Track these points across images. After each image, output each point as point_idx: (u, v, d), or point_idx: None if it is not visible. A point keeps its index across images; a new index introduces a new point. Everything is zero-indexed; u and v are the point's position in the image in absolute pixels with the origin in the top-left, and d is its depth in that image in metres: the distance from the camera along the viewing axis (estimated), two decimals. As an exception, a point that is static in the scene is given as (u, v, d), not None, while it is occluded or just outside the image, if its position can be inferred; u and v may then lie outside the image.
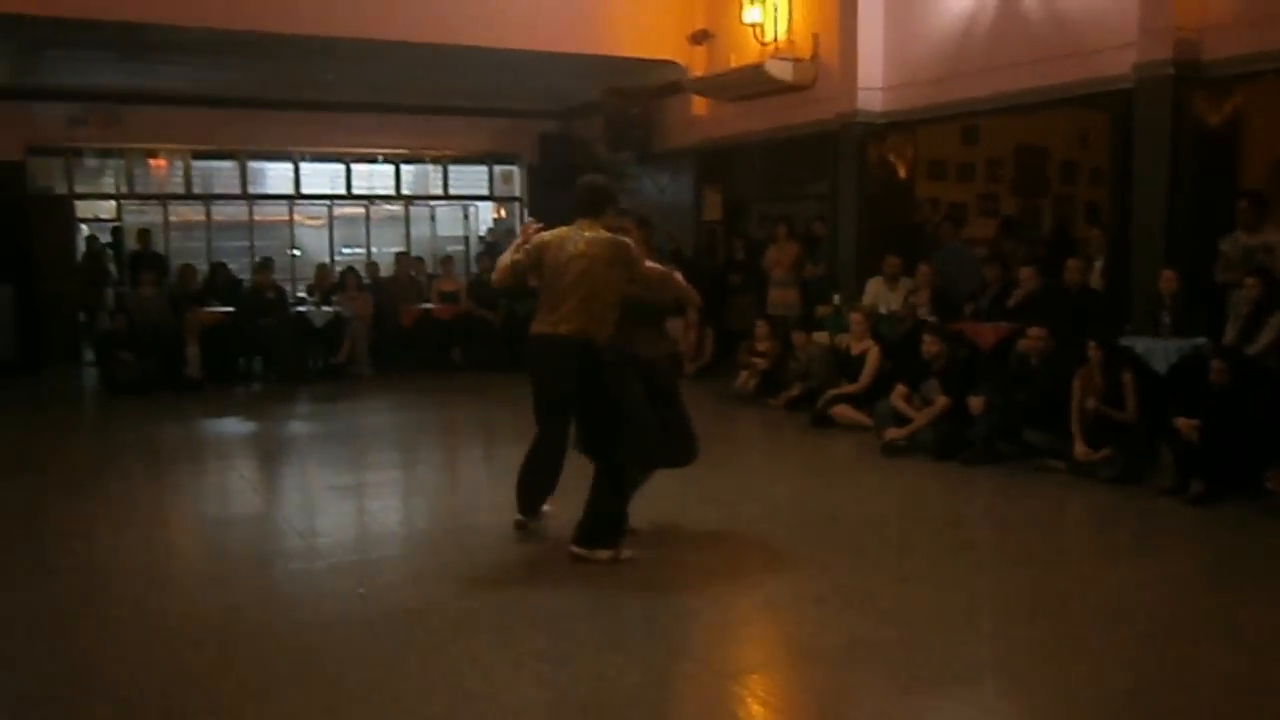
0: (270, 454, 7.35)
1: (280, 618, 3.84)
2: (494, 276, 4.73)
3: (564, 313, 4.34)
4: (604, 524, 4.33)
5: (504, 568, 4.37)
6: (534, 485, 4.67)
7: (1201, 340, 6.10)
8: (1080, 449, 5.87)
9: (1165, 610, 3.91)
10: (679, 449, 4.61)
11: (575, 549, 4.32)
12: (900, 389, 6.72)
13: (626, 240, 4.40)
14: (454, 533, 5.02)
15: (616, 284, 4.34)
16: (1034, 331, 6.36)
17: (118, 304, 11.52)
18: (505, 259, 4.62)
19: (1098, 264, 7.16)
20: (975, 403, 6.30)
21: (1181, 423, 5.38)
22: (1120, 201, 7.07)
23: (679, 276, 4.58)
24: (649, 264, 4.42)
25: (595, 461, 4.42)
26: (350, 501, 5.80)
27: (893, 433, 6.57)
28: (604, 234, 4.39)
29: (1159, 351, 6.18)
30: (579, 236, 4.40)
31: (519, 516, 4.72)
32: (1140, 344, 6.27)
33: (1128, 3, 6.75)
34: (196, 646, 3.57)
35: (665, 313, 4.63)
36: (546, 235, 4.51)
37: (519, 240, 4.61)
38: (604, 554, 4.30)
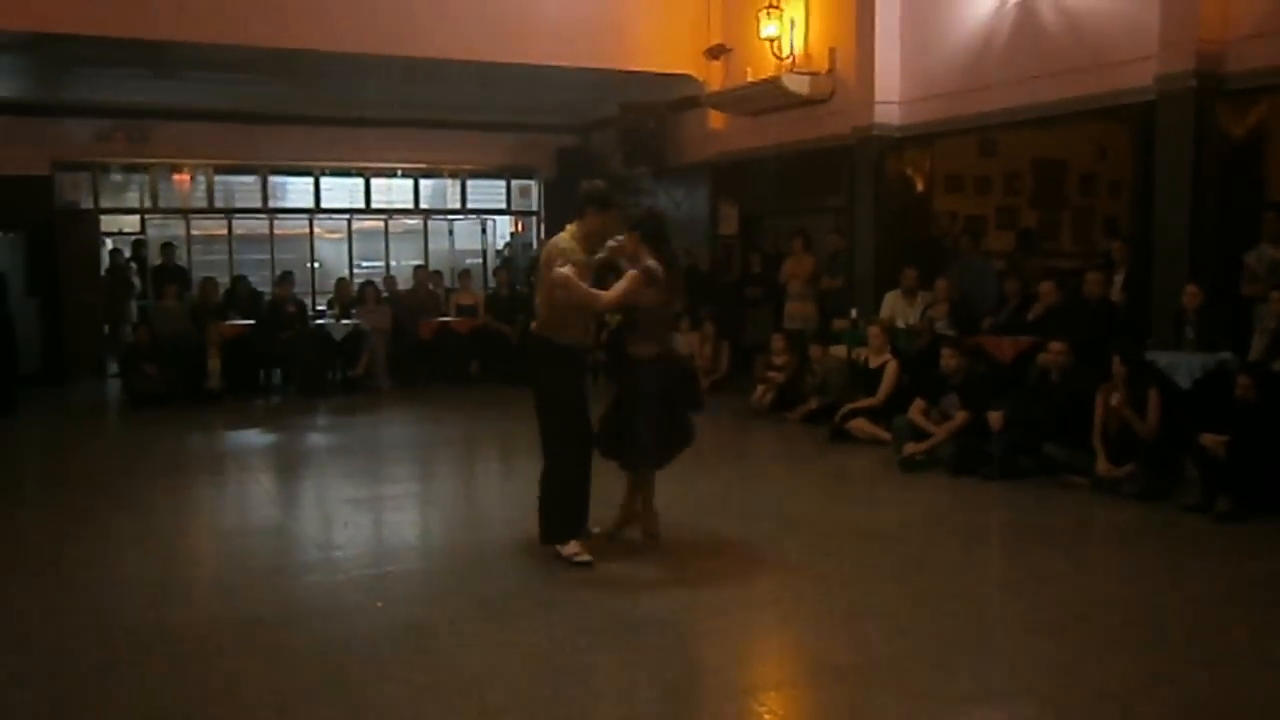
0: (289, 466, 7.38)
1: (299, 631, 3.85)
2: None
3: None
4: (551, 516, 4.56)
5: (521, 582, 4.36)
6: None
7: (1226, 355, 6.04)
8: (1103, 465, 5.80)
9: (1193, 630, 3.85)
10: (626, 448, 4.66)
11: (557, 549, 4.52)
12: (918, 403, 6.67)
13: (557, 244, 4.50)
14: (471, 546, 5.02)
15: (548, 287, 4.47)
16: (1054, 346, 6.30)
17: (141, 317, 11.65)
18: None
19: (1118, 277, 7.10)
20: (994, 417, 6.25)
21: (1208, 439, 5.31)
22: (1142, 214, 7.02)
23: (578, 284, 4.37)
24: (557, 269, 4.37)
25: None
26: (368, 514, 5.82)
27: (911, 447, 6.52)
28: (561, 237, 4.56)
29: (1183, 366, 6.12)
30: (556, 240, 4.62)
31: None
32: (1163, 359, 6.21)
33: (1149, 15, 6.72)
34: (215, 659, 3.59)
35: (658, 317, 4.62)
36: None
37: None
38: (569, 549, 4.47)
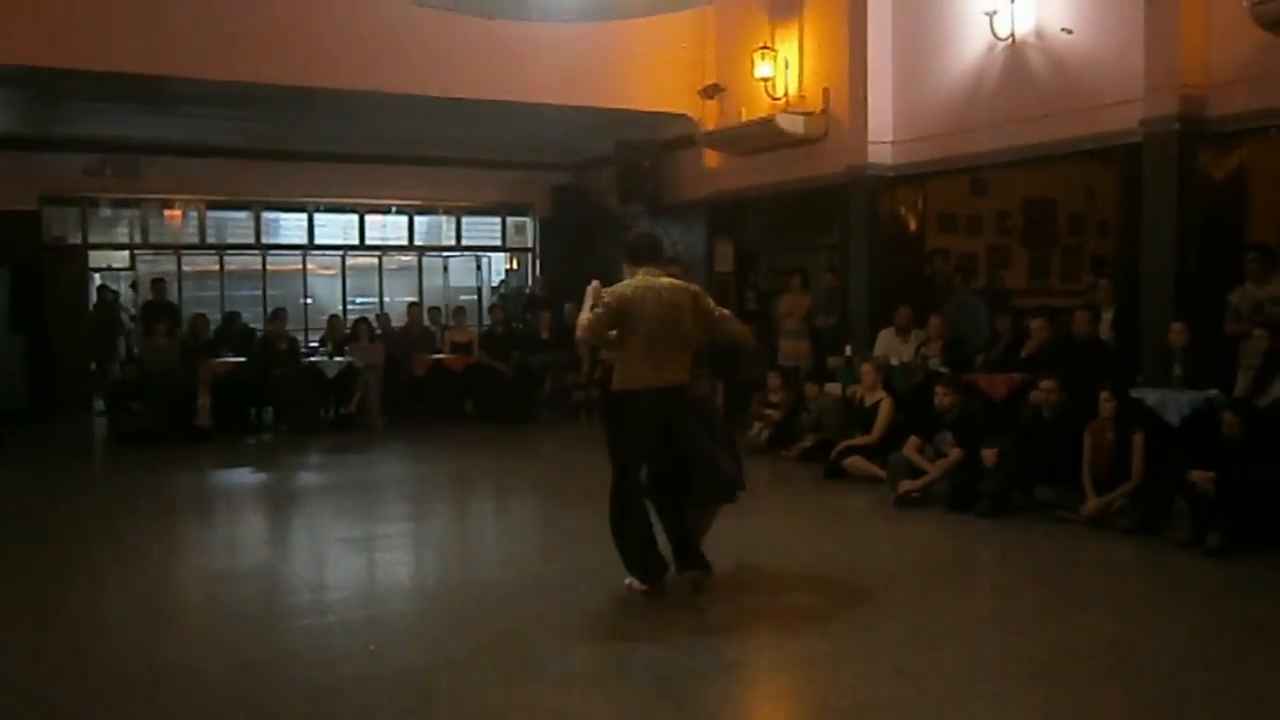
0: (280, 505, 7.31)
1: (289, 675, 3.80)
2: (579, 334, 4.60)
3: (670, 364, 4.44)
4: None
5: (516, 623, 4.32)
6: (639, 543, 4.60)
7: (1213, 392, 6.09)
8: (1092, 504, 5.83)
9: (1185, 667, 3.84)
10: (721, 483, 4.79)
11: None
12: (913, 441, 6.69)
13: (699, 287, 4.59)
14: (466, 587, 4.98)
15: (697, 330, 4.49)
16: (1045, 384, 6.35)
17: (129, 353, 11.57)
18: (584, 317, 4.47)
19: (1107, 315, 7.18)
20: (988, 455, 6.27)
21: (1196, 475, 5.36)
22: (1129, 254, 7.11)
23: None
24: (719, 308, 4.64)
25: (665, 500, 4.59)
26: (361, 555, 5.76)
27: (906, 485, 6.53)
28: (679, 282, 4.55)
29: (1170, 403, 6.17)
30: (658, 285, 4.45)
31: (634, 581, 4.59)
32: (1152, 396, 6.27)
33: (1134, 60, 6.87)
34: (202, 705, 3.52)
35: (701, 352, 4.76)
36: (623, 288, 4.49)
37: (589, 300, 4.49)
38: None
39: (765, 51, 9.77)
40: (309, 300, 13.37)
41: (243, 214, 12.88)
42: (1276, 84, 6.27)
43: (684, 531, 4.62)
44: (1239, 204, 6.73)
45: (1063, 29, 7.44)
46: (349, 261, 13.50)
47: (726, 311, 4.70)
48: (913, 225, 9.05)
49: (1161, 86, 6.67)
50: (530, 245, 14.20)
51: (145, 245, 12.62)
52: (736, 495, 4.87)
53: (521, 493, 7.98)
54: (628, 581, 4.57)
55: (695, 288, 4.57)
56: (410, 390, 10.84)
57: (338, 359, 10.45)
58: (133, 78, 8.74)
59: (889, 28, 8.90)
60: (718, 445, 4.75)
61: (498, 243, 14.19)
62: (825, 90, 9.52)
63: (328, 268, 13.63)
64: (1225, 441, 5.45)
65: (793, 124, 9.51)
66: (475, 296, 14.11)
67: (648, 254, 4.54)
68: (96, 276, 13.05)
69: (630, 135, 11.46)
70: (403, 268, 13.92)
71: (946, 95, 8.45)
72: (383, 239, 13.60)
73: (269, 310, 11.35)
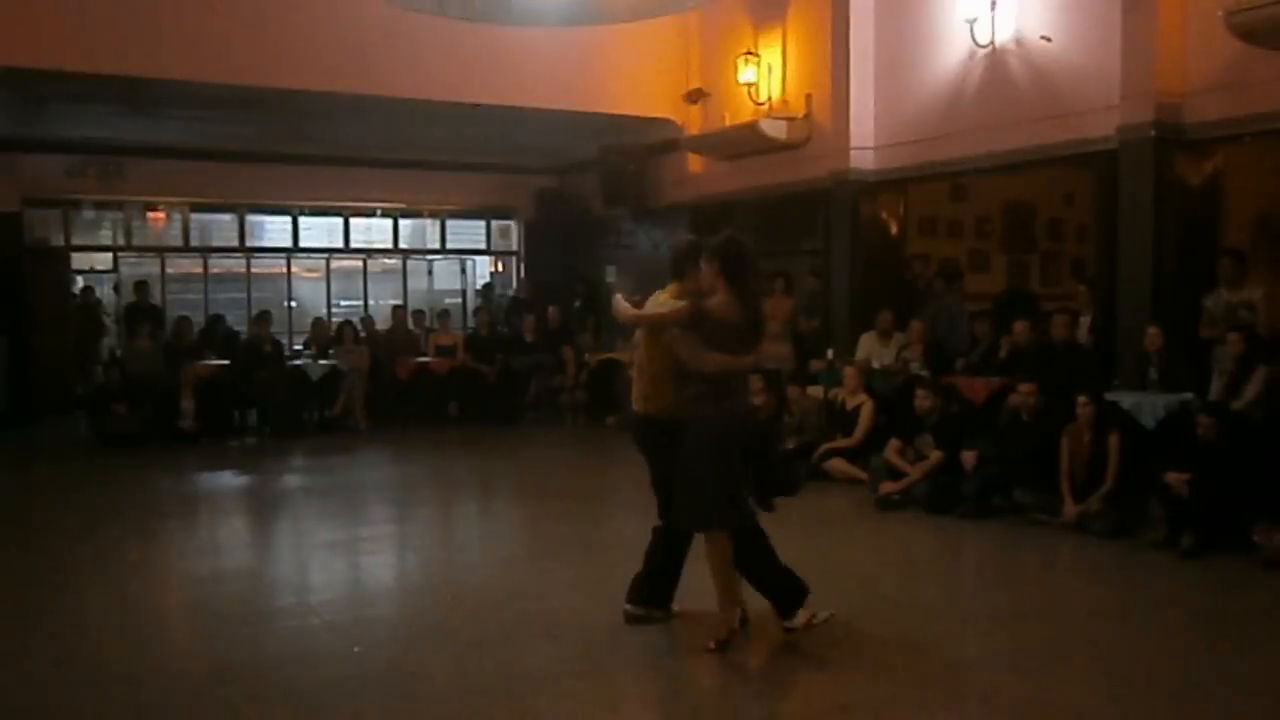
0: (264, 508, 7.31)
1: (273, 678, 3.81)
2: None
3: (635, 390, 4.21)
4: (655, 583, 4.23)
5: (501, 626, 4.34)
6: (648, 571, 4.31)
7: (1188, 395, 6.18)
8: (1069, 509, 5.91)
9: (1160, 665, 3.92)
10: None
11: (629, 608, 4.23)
12: (894, 443, 6.76)
13: (666, 299, 4.09)
14: (451, 590, 5.00)
15: (663, 349, 4.04)
16: (1024, 387, 6.43)
17: (111, 356, 11.52)
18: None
19: (1085, 319, 7.27)
20: (968, 457, 6.34)
21: (1171, 477, 5.45)
22: (1106, 259, 7.21)
23: (686, 335, 3.96)
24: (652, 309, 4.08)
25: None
26: (345, 557, 5.77)
27: (887, 487, 6.60)
28: (661, 297, 4.14)
29: (1146, 407, 6.26)
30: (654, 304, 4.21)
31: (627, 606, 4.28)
32: (1128, 399, 6.36)
33: (1111, 67, 6.96)
34: (187, 708, 3.54)
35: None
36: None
37: None
38: (656, 612, 4.23)
39: (749, 57, 9.84)
40: (293, 303, 13.34)
41: (227, 216, 12.84)
42: (1251, 92, 6.38)
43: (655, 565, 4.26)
44: (1214, 210, 6.83)
45: (1042, 37, 7.53)
46: (333, 264, 13.48)
47: (634, 314, 4.09)
48: (894, 230, 9.13)
49: (1138, 94, 6.77)
50: (515, 248, 14.23)
51: (128, 247, 12.55)
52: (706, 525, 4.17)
53: (506, 495, 8.01)
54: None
55: (663, 301, 4.08)
56: (395, 393, 10.83)
57: (322, 362, 10.43)
58: (117, 79, 8.70)
59: (871, 34, 8.98)
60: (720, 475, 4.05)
61: (482, 246, 14.20)
62: (808, 96, 9.59)
63: (312, 270, 13.59)
64: (1200, 444, 5.54)
65: (776, 129, 9.57)
66: (460, 299, 14.12)
67: (673, 268, 4.16)
68: (79, 279, 12.97)
69: (614, 139, 11.51)
70: (387, 270, 13.91)
71: (928, 101, 8.54)
72: (367, 242, 13.59)
73: (253, 313, 11.31)
